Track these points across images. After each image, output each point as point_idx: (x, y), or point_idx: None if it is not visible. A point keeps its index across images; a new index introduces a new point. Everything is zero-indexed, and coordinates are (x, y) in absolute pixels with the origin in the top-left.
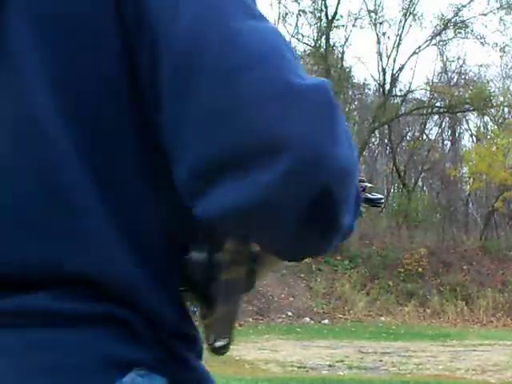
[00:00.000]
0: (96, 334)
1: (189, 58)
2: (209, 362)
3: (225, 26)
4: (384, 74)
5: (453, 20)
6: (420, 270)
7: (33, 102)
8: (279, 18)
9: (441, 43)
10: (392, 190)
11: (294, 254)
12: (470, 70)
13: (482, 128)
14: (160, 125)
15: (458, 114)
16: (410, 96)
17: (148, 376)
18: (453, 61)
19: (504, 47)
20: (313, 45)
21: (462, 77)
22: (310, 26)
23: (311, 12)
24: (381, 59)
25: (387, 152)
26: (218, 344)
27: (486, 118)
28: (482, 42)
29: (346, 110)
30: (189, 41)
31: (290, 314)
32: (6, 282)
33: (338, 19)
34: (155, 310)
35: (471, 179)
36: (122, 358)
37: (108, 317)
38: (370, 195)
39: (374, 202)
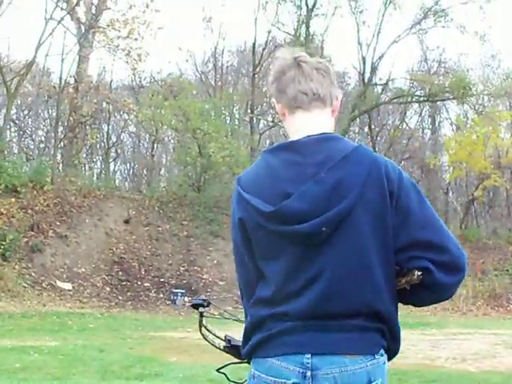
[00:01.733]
0: (374, 335)
1: (424, 220)
2: (190, 351)
3: (432, 216)
4: (364, 63)
5: (433, 9)
6: None
7: (371, 253)
8: (259, 7)
9: (421, 32)
10: None
11: (435, 302)
12: (450, 59)
13: (462, 117)
14: (399, 236)
15: (438, 103)
16: (390, 85)
17: (384, 356)
18: (433, 49)
19: (484, 36)
20: (293, 33)
21: (442, 65)
22: (290, 14)
23: (291, 0)
24: (361, 48)
25: (367, 141)
26: None
27: (466, 107)
28: (461, 31)
29: None
30: (420, 219)
31: None
32: (342, 315)
33: (317, 8)
34: (394, 326)
35: (451, 168)
36: (379, 345)
37: (379, 328)
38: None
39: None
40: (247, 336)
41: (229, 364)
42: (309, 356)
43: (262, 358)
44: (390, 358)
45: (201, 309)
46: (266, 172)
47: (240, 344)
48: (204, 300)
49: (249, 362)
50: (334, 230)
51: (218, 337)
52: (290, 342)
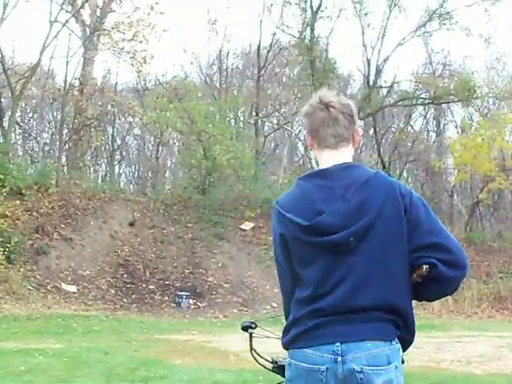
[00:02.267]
0: (391, 325)
1: (431, 228)
2: (194, 354)
3: (440, 231)
4: (369, 66)
5: (438, 11)
6: None
7: (391, 258)
8: (264, 9)
9: (425, 34)
10: None
11: (442, 296)
12: (455, 62)
13: (466, 119)
14: (413, 242)
15: (443, 106)
16: (394, 87)
17: (398, 344)
18: (438, 52)
19: (489, 38)
20: (298, 36)
21: (447, 68)
22: (295, 17)
23: (296, 3)
24: (365, 50)
25: (372, 143)
26: None
27: (471, 109)
28: (466, 34)
29: None
30: (428, 227)
31: (274, 305)
32: (366, 309)
33: (322, 10)
34: (408, 319)
35: (456, 170)
36: (395, 334)
37: (395, 320)
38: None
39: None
40: (287, 330)
41: (275, 369)
42: (338, 344)
43: (298, 348)
44: (404, 349)
45: (250, 330)
46: (301, 194)
47: (285, 363)
48: (252, 322)
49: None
50: (359, 240)
51: (266, 359)
52: (322, 334)
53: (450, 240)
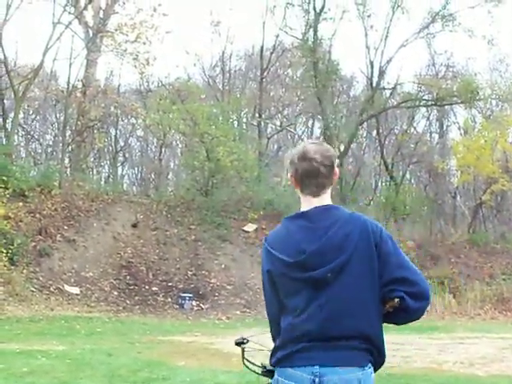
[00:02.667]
0: (364, 353)
1: (399, 263)
2: (197, 355)
3: (407, 265)
4: (372, 67)
5: (441, 13)
6: None
7: (363, 290)
8: (267, 11)
9: (428, 36)
10: (380, 183)
11: (409, 322)
12: (458, 63)
13: (469, 121)
14: (383, 276)
15: (446, 107)
16: (397, 89)
17: (371, 368)
18: (440, 54)
19: (492, 40)
20: (301, 38)
21: (450, 69)
22: (298, 18)
23: (299, 5)
24: (368, 52)
25: (375, 145)
26: None
27: (474, 111)
28: (469, 35)
29: (334, 102)
30: (396, 262)
31: None
32: (342, 338)
33: (325, 12)
34: (379, 346)
35: (459, 172)
36: (368, 360)
37: (368, 349)
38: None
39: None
40: (274, 352)
41: (258, 373)
42: (317, 367)
43: (284, 367)
44: (376, 369)
45: (242, 345)
46: (287, 234)
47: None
48: (244, 338)
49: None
50: (336, 275)
51: (256, 365)
52: (303, 357)
53: (415, 274)
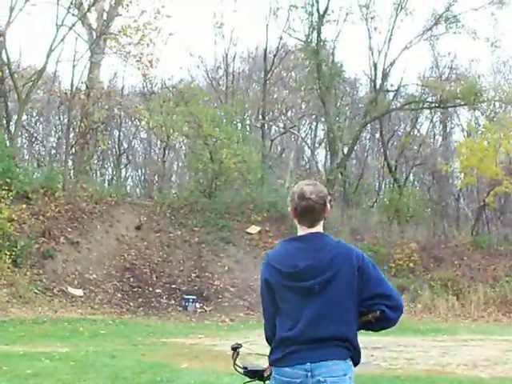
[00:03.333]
0: (345, 350)
1: (379, 282)
2: (201, 357)
3: (385, 285)
4: (375, 69)
5: (444, 15)
6: (411, 264)
7: (343, 302)
8: (271, 13)
9: (432, 38)
10: (383, 185)
11: (385, 329)
12: (462, 65)
13: (473, 123)
14: (363, 293)
15: (450, 109)
16: (401, 91)
17: (351, 361)
18: (444, 56)
19: (495, 42)
20: (304, 40)
21: (454, 71)
22: (302, 20)
23: (303, 7)
24: (372, 54)
25: (378, 147)
26: None
27: (478, 113)
28: (473, 37)
29: (338, 104)
30: (376, 281)
31: None
32: (326, 339)
33: (329, 14)
34: (355, 345)
35: (462, 174)
36: (348, 355)
37: (347, 347)
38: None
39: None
40: (272, 352)
41: (255, 372)
42: (308, 364)
43: (279, 367)
44: (355, 365)
45: (238, 350)
46: (285, 252)
47: (255, 368)
48: (239, 344)
49: (260, 379)
50: (322, 288)
51: (240, 366)
52: (296, 357)
53: (392, 290)
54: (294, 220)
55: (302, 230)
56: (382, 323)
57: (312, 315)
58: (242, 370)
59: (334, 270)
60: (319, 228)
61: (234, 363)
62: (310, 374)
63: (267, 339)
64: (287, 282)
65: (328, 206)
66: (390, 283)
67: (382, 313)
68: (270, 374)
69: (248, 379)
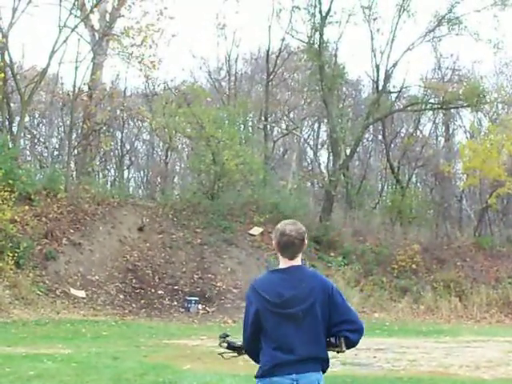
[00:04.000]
0: (319, 365)
1: (344, 309)
2: (203, 359)
3: (349, 312)
4: (378, 71)
5: (447, 16)
6: (414, 266)
7: (320, 326)
8: (273, 14)
9: (434, 39)
10: (386, 187)
11: (350, 348)
12: (464, 67)
13: (475, 124)
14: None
15: (452, 111)
16: (403, 92)
17: (322, 373)
18: (446, 57)
19: (497, 43)
20: (307, 41)
21: (456, 73)
22: (304, 22)
23: (305, 8)
24: (374, 56)
25: (381, 148)
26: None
27: (480, 115)
28: (475, 39)
29: (340, 106)
30: (343, 309)
31: None
32: (308, 358)
33: (331, 15)
34: (327, 360)
35: (465, 175)
36: (321, 368)
37: (321, 363)
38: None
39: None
40: (261, 367)
41: (229, 353)
42: (295, 374)
43: (269, 377)
44: (324, 372)
45: (227, 338)
46: (270, 282)
47: (234, 343)
48: (226, 334)
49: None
50: (305, 314)
51: (224, 342)
52: (284, 370)
53: (355, 316)
54: (278, 253)
55: (284, 262)
56: (348, 347)
57: (299, 337)
58: (225, 345)
59: (313, 299)
60: (298, 260)
61: (220, 344)
62: (295, 382)
63: (249, 354)
64: (274, 309)
65: (306, 241)
66: (354, 309)
67: (346, 338)
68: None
69: (227, 352)
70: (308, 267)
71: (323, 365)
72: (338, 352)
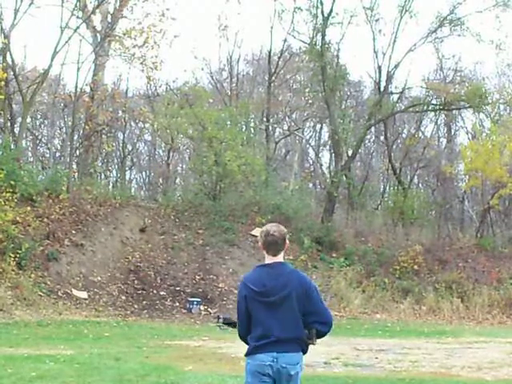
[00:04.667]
0: (298, 346)
1: (317, 302)
2: (205, 360)
3: (321, 306)
4: (380, 72)
5: (448, 17)
6: (415, 267)
7: (296, 312)
8: (275, 15)
9: (436, 40)
10: (388, 188)
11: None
12: (466, 68)
13: (477, 125)
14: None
15: (454, 112)
16: (405, 93)
17: (301, 353)
18: (448, 58)
19: (500, 44)
20: (309, 42)
21: (458, 74)
22: (306, 23)
23: (307, 9)
24: (376, 56)
25: (383, 149)
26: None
27: (482, 115)
28: (477, 40)
29: (342, 107)
30: (315, 302)
31: None
32: (287, 338)
33: (333, 16)
34: (305, 342)
35: (467, 176)
36: (300, 349)
37: (299, 343)
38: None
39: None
40: (248, 348)
41: (229, 324)
42: (275, 353)
43: (254, 354)
44: (304, 354)
45: (220, 319)
46: (257, 275)
47: (228, 319)
48: (219, 317)
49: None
50: (282, 301)
51: (219, 318)
52: (267, 349)
53: (325, 309)
54: (263, 251)
55: (268, 259)
56: (318, 338)
57: (278, 321)
58: (221, 320)
59: (289, 290)
60: (281, 257)
61: (217, 323)
62: (275, 360)
63: (240, 337)
64: (258, 297)
65: (287, 241)
66: (326, 304)
67: (317, 330)
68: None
69: (222, 325)
70: (289, 264)
71: (303, 346)
72: (309, 344)
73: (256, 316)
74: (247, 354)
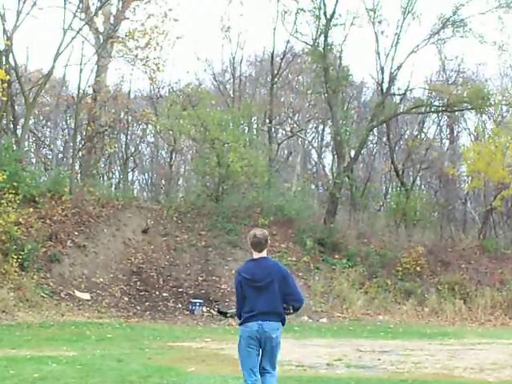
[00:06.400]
0: (278, 317)
1: (291, 286)
2: (207, 361)
3: (295, 289)
4: (382, 73)
5: (451, 19)
6: (418, 268)
7: (277, 293)
8: (278, 16)
9: (439, 42)
10: (390, 189)
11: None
12: (469, 69)
13: (480, 127)
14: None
15: (457, 113)
16: (408, 94)
17: (280, 323)
18: (451, 59)
19: (502, 46)
20: (311, 43)
21: (461, 75)
22: (309, 24)
23: (310, 10)
24: (379, 58)
25: (385, 151)
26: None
27: (485, 117)
28: (480, 41)
29: (345, 108)
30: (291, 285)
31: None
32: (270, 311)
33: (336, 18)
34: (283, 314)
35: (469, 178)
36: (280, 319)
37: (279, 315)
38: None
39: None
40: (242, 319)
41: (224, 313)
42: (260, 321)
43: (245, 324)
44: (283, 325)
45: (218, 307)
46: (248, 267)
47: (223, 310)
48: (218, 309)
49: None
50: (267, 285)
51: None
52: (254, 319)
53: (298, 292)
54: (251, 249)
55: (255, 255)
56: (295, 311)
57: (263, 300)
58: (216, 310)
59: (272, 277)
60: (264, 253)
61: (218, 311)
62: (261, 326)
63: (237, 315)
64: (249, 283)
65: (269, 241)
66: (299, 286)
67: (292, 307)
68: (231, 315)
69: (217, 314)
70: (271, 258)
71: (281, 318)
72: (288, 314)
73: (248, 296)
74: (241, 324)
